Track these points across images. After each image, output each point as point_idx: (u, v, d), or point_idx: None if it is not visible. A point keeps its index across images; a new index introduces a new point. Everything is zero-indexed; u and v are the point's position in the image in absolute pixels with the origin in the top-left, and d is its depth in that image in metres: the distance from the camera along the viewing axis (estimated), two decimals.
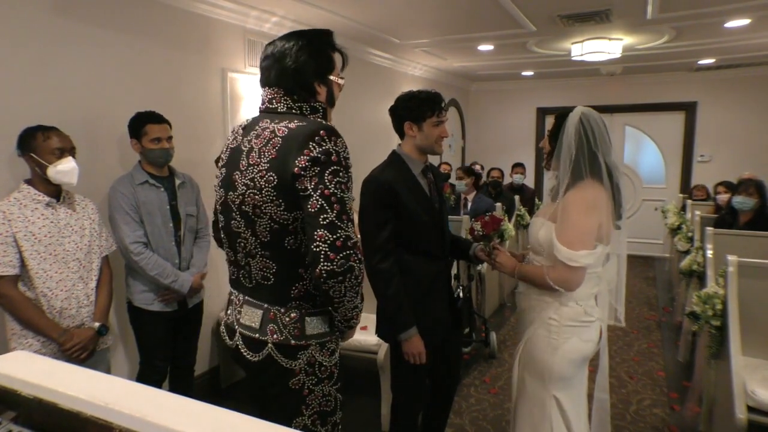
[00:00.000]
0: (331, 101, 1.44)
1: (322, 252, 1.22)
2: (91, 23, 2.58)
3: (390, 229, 1.94)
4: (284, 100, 1.38)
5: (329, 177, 1.24)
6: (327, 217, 1.23)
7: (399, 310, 1.92)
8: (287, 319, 1.34)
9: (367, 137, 5.24)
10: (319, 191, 1.23)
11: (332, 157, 1.26)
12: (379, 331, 2.11)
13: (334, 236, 1.22)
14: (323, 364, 1.39)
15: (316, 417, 1.41)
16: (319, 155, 1.25)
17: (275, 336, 1.35)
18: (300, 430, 1.40)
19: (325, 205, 1.23)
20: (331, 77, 1.43)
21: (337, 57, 1.46)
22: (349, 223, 1.25)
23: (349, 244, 1.24)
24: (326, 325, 1.39)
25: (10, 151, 2.08)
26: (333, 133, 1.28)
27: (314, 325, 1.36)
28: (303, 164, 1.24)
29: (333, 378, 1.41)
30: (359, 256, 1.26)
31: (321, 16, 3.77)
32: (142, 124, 2.39)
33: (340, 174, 1.26)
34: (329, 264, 1.22)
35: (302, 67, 1.37)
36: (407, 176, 1.99)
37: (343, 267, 1.23)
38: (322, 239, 1.22)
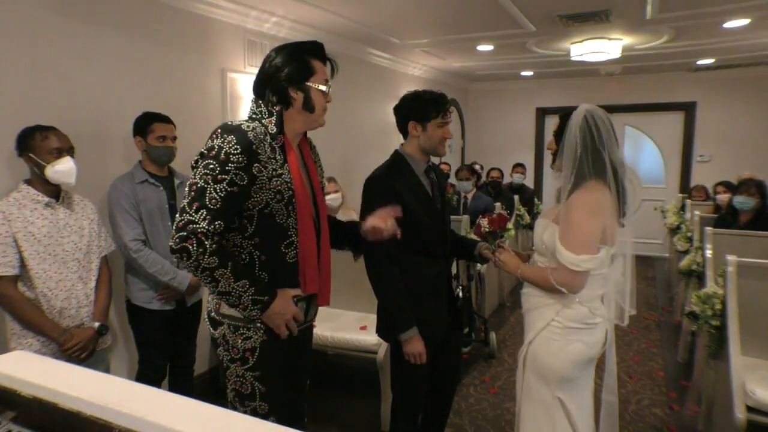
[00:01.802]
0: (308, 107, 1.51)
1: (172, 230, 1.37)
2: (91, 23, 2.58)
3: None
4: (252, 106, 1.52)
5: (200, 169, 1.36)
6: (183, 202, 1.37)
7: (399, 311, 1.92)
8: (213, 295, 1.51)
9: (367, 137, 5.24)
10: (189, 181, 1.38)
11: (212, 152, 1.36)
12: (380, 331, 2.11)
13: (180, 218, 1.35)
14: (235, 346, 1.50)
15: (235, 395, 1.53)
16: (204, 150, 1.38)
17: (209, 305, 1.57)
18: (228, 403, 1.54)
19: (186, 191, 1.37)
20: (310, 84, 1.50)
21: (319, 65, 1.53)
22: (203, 212, 1.33)
23: (189, 227, 1.33)
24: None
25: (10, 151, 2.08)
26: (227, 131, 1.38)
27: (227, 307, 1.48)
28: (195, 159, 1.41)
29: (247, 363, 1.50)
30: (203, 243, 1.33)
31: (321, 16, 3.77)
32: (149, 122, 2.40)
33: (211, 166, 1.34)
34: (170, 240, 1.36)
35: (274, 73, 1.48)
36: (410, 176, 1.99)
37: (178, 246, 1.33)
38: (174, 219, 1.37)
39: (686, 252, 4.19)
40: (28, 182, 2.04)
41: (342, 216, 3.82)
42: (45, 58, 2.39)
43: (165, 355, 2.54)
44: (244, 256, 1.47)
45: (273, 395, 1.54)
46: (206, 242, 1.33)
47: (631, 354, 3.91)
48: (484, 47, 5.13)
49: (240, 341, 1.49)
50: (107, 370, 2.27)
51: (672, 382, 3.45)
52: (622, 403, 3.12)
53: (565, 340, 1.73)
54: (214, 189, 1.33)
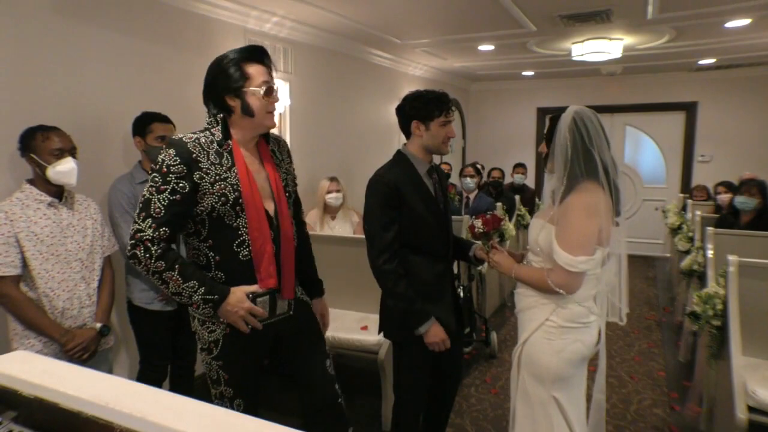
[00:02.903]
0: (247, 112, 1.55)
1: None
2: (92, 23, 2.59)
3: (396, 230, 1.93)
4: (206, 116, 1.62)
5: (148, 182, 1.49)
6: (134, 213, 1.51)
7: (413, 304, 1.93)
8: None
9: (367, 137, 5.24)
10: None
11: (156, 165, 1.49)
12: (384, 330, 2.11)
13: (131, 228, 1.49)
14: (202, 337, 1.62)
15: (207, 378, 1.67)
16: (153, 165, 1.51)
17: None
18: None
19: (138, 203, 1.51)
20: (245, 89, 1.53)
21: (256, 69, 1.55)
22: (149, 221, 1.46)
23: (137, 236, 1.46)
24: None
25: (12, 151, 2.08)
26: (170, 144, 1.50)
27: None
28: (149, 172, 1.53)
29: (212, 353, 1.62)
30: (150, 249, 1.45)
31: (321, 16, 3.77)
32: (148, 122, 2.40)
33: (156, 179, 1.47)
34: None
35: (210, 84, 1.56)
36: (413, 176, 1.99)
37: (130, 253, 1.48)
38: None
39: (687, 252, 4.18)
40: (31, 182, 2.04)
41: (342, 215, 3.86)
42: (45, 58, 2.40)
43: (166, 356, 2.54)
44: (201, 258, 1.58)
45: (237, 381, 1.64)
46: (152, 248, 1.45)
47: (633, 354, 3.91)
48: (485, 47, 5.13)
49: (206, 334, 1.61)
50: (110, 371, 2.27)
51: (673, 382, 3.44)
52: (624, 403, 3.12)
53: (560, 340, 1.74)
54: (158, 199, 1.46)
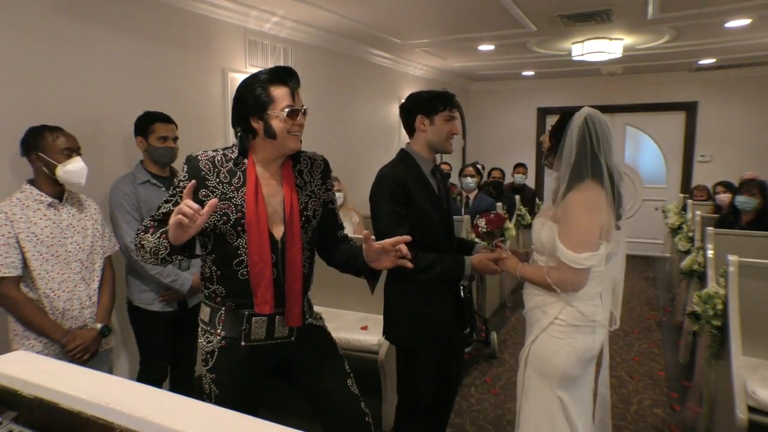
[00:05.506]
0: (270, 134, 1.53)
1: None
2: (92, 23, 2.59)
3: (407, 227, 1.92)
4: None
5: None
6: None
7: (443, 264, 1.92)
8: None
9: (368, 137, 5.24)
10: None
11: (175, 178, 1.59)
12: (390, 335, 2.12)
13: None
14: (201, 347, 1.64)
15: (203, 392, 1.66)
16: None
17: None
18: None
19: None
20: (269, 113, 1.51)
21: (281, 91, 1.52)
22: (150, 218, 1.58)
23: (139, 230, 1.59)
24: (207, 317, 1.62)
25: (13, 152, 2.08)
26: (186, 161, 1.57)
27: (204, 311, 1.65)
28: None
29: (207, 364, 1.62)
30: (139, 231, 1.55)
31: (321, 16, 3.78)
32: (150, 122, 2.40)
33: (170, 191, 1.59)
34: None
35: (236, 107, 1.56)
36: (418, 175, 1.99)
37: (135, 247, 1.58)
38: None
39: (687, 252, 4.18)
40: (31, 182, 2.03)
41: (342, 215, 3.84)
42: (45, 58, 2.40)
43: (166, 356, 2.54)
44: (206, 270, 1.62)
45: (227, 402, 1.56)
46: (140, 227, 1.57)
47: (633, 354, 3.91)
48: (485, 47, 5.13)
49: (204, 344, 1.62)
50: (110, 371, 2.27)
51: (673, 382, 3.44)
52: (624, 404, 3.12)
53: (569, 338, 1.74)
54: (163, 206, 1.56)
